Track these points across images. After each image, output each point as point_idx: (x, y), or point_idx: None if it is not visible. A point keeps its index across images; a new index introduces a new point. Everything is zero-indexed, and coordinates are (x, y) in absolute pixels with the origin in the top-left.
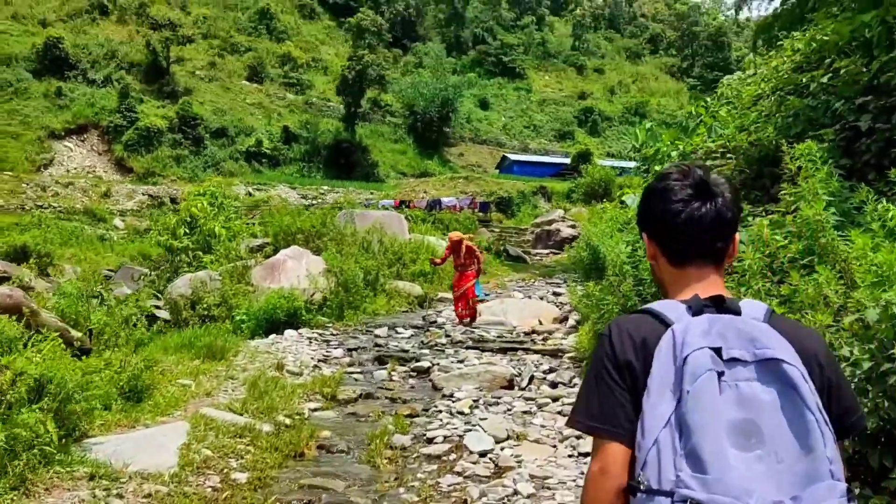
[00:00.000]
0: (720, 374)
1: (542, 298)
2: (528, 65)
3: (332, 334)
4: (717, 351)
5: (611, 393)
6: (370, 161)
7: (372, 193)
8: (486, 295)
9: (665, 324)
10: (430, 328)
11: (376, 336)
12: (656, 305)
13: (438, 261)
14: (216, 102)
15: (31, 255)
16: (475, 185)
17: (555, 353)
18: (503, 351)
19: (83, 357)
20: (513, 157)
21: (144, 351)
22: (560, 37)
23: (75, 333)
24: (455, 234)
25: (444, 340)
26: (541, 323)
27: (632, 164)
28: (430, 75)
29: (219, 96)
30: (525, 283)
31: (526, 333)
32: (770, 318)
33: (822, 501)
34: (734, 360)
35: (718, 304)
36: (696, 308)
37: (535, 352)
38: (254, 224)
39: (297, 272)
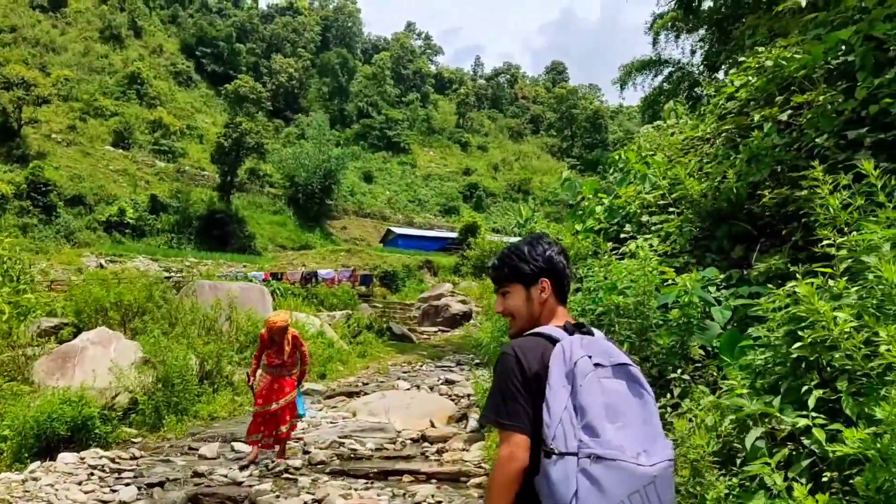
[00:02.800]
0: None
1: (432, 389)
2: (412, 140)
3: (134, 457)
4: (589, 358)
5: (517, 399)
6: (246, 233)
7: (245, 266)
8: (305, 415)
9: (552, 341)
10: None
11: (200, 457)
12: (545, 329)
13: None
14: (74, 168)
15: None
16: (358, 258)
17: (455, 478)
18: (383, 476)
19: None
20: (397, 230)
21: None
22: (444, 114)
23: None
24: (279, 317)
25: (298, 462)
26: (433, 425)
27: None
28: (313, 147)
29: (77, 162)
30: (411, 368)
31: (414, 441)
32: (608, 338)
33: (662, 450)
34: (598, 365)
35: (580, 328)
36: (570, 330)
37: (429, 476)
38: (57, 299)
39: (101, 363)
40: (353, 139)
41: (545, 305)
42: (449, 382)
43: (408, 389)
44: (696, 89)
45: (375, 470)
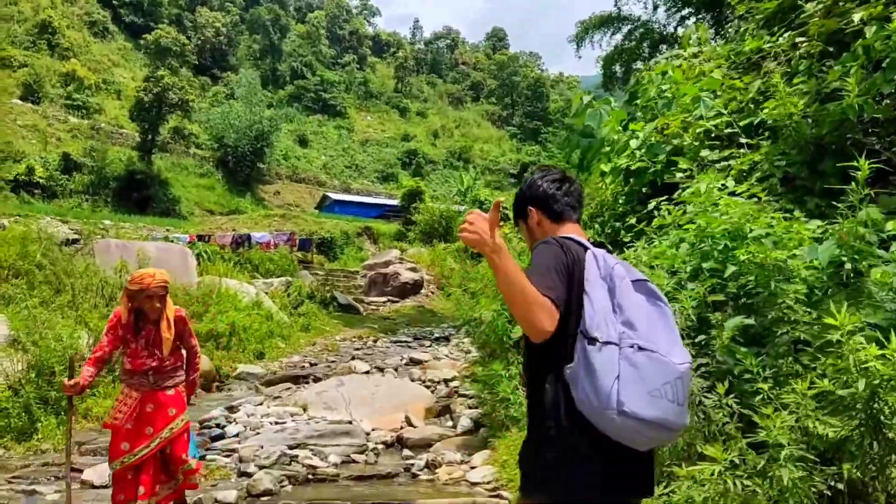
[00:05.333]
0: None
1: (396, 370)
2: (349, 103)
3: None
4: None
5: (559, 277)
6: (170, 196)
7: (168, 230)
8: (196, 457)
9: (584, 247)
10: (210, 450)
11: (83, 484)
12: (573, 235)
13: (85, 377)
14: None
15: None
16: (293, 223)
17: None
18: None
19: None
20: (334, 196)
21: None
22: (382, 78)
23: None
24: (155, 274)
25: (232, 495)
26: (410, 423)
27: (462, 208)
28: (243, 107)
29: None
30: (365, 344)
31: (388, 446)
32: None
33: (683, 354)
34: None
35: (601, 246)
36: (594, 244)
37: None
38: None
39: None
40: (286, 101)
41: (544, 229)
42: (415, 362)
43: (367, 372)
44: (661, 46)
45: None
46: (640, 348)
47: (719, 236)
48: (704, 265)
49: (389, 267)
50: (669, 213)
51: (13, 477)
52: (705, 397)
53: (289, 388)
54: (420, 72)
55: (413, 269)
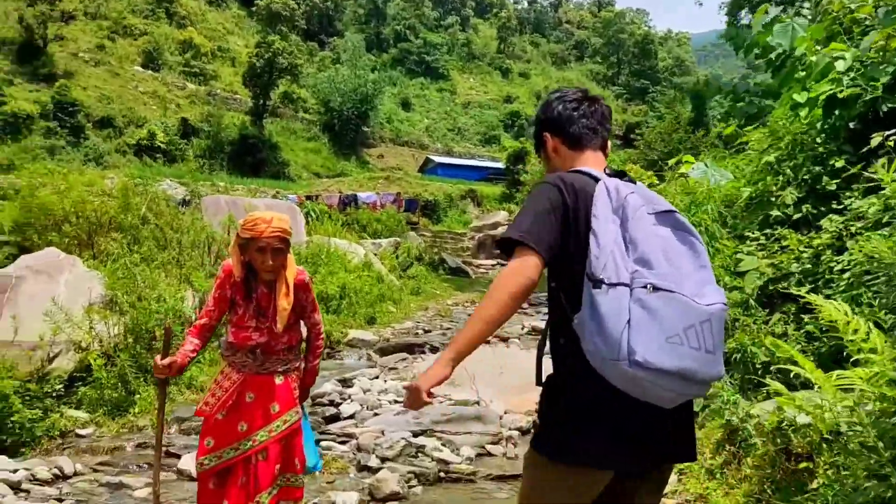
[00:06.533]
0: None
1: (519, 339)
2: (451, 66)
3: (61, 476)
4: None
5: (545, 223)
6: (280, 159)
7: (277, 192)
8: (319, 467)
9: (594, 179)
10: (324, 435)
11: (179, 475)
12: (584, 168)
13: (185, 353)
14: (102, 89)
15: None
16: (397, 185)
17: None
18: None
19: None
20: (437, 159)
21: None
22: (485, 39)
23: None
24: (265, 223)
25: (353, 499)
26: None
27: None
28: (349, 70)
29: (106, 82)
30: None
31: (523, 433)
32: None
33: (714, 295)
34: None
35: (621, 176)
36: (611, 173)
37: None
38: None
39: (42, 303)
40: (390, 64)
41: (562, 156)
42: (536, 331)
43: (488, 342)
44: None
45: None
46: (656, 288)
47: None
48: None
49: (498, 229)
50: None
51: (100, 463)
52: None
53: (404, 359)
54: (523, 32)
55: None
